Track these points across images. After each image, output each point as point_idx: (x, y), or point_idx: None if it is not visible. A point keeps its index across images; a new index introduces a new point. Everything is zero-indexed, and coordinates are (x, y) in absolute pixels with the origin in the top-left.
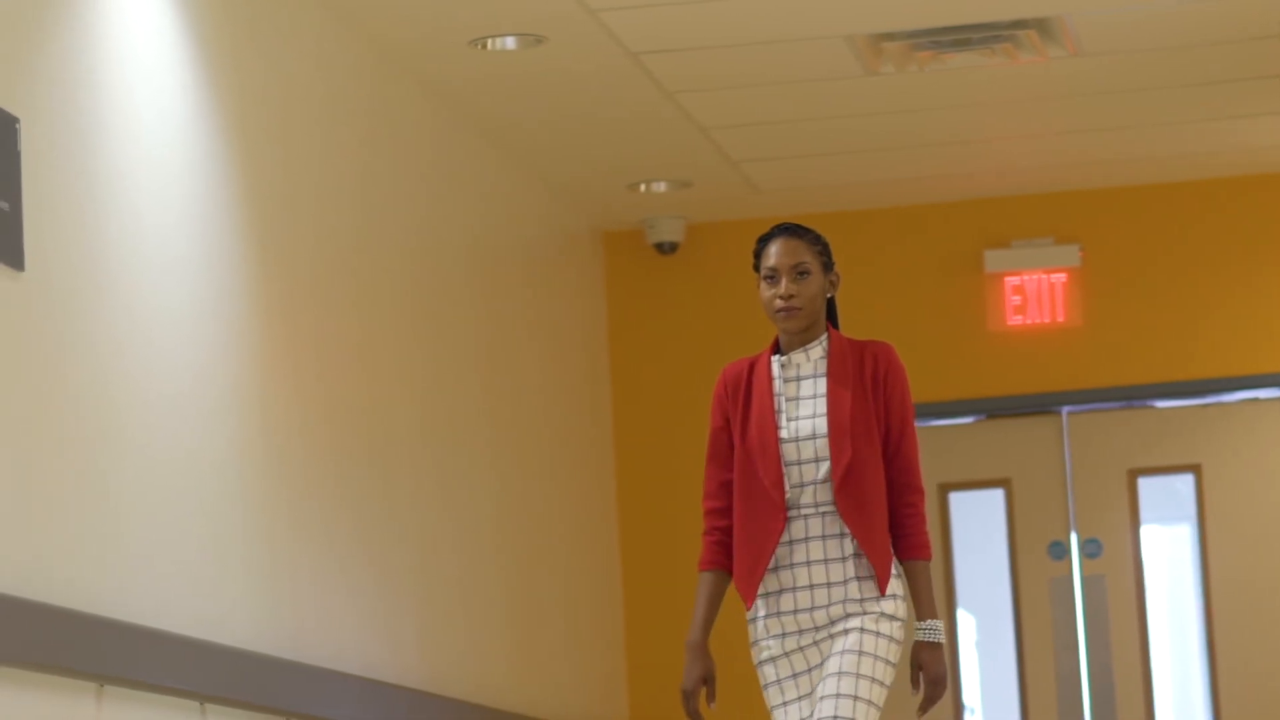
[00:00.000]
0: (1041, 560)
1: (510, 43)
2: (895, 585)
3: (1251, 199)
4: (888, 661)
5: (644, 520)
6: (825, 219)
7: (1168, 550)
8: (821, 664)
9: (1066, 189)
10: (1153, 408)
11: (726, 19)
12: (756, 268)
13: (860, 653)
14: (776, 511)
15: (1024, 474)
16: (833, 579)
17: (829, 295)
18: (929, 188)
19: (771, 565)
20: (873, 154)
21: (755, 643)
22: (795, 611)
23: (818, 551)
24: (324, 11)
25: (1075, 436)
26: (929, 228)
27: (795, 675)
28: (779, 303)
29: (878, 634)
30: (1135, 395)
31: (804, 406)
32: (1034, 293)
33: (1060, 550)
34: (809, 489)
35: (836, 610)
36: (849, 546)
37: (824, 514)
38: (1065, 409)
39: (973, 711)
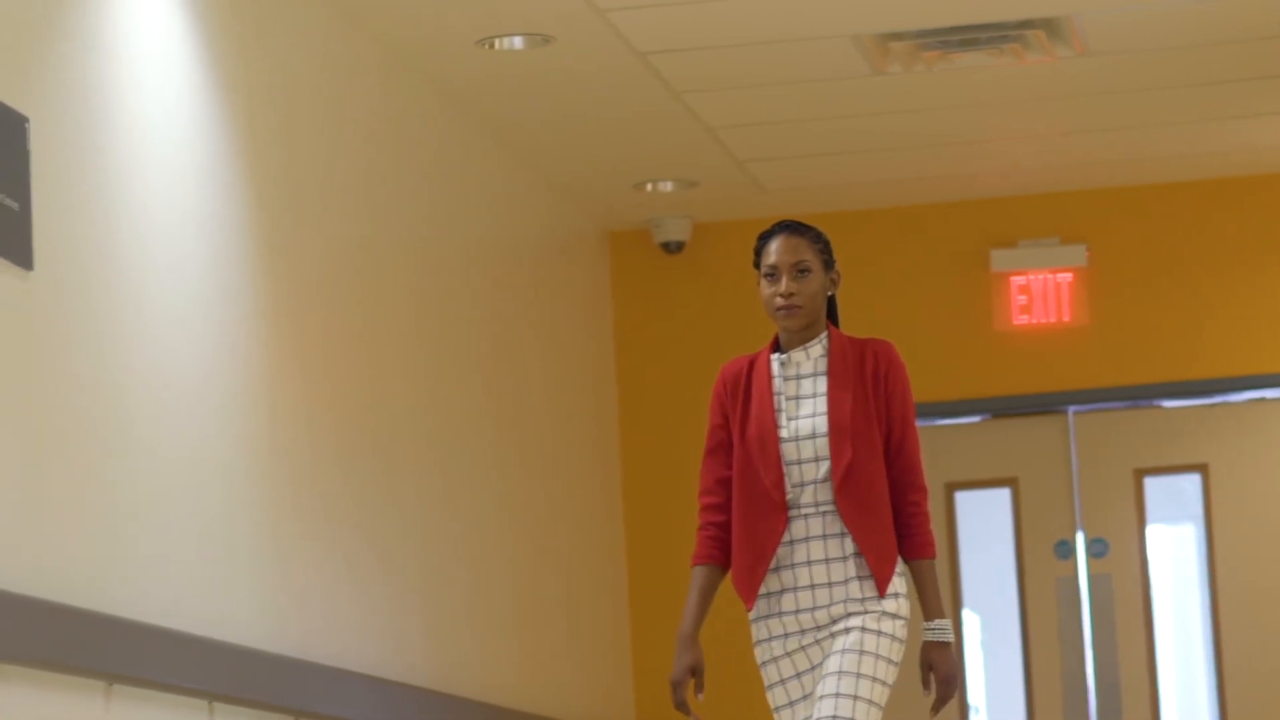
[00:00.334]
0: (1047, 559)
1: (517, 42)
2: (897, 584)
3: (1258, 199)
4: (890, 661)
5: (649, 519)
6: (831, 218)
7: (1174, 550)
8: (823, 663)
9: (1073, 189)
10: (1159, 407)
11: (734, 19)
12: (757, 265)
13: (861, 652)
14: (778, 511)
15: (1030, 473)
16: (834, 578)
17: (830, 293)
18: (935, 187)
19: (772, 565)
20: (879, 154)
21: (757, 643)
22: (796, 612)
23: (818, 551)
24: (331, 11)
25: (1082, 436)
26: (935, 227)
27: (798, 675)
28: (779, 301)
29: (879, 633)
30: (1142, 395)
31: (804, 405)
32: (1040, 292)
33: (1066, 550)
34: (809, 488)
35: (838, 610)
36: (850, 546)
37: (824, 513)
38: (1072, 408)
39: (978, 710)
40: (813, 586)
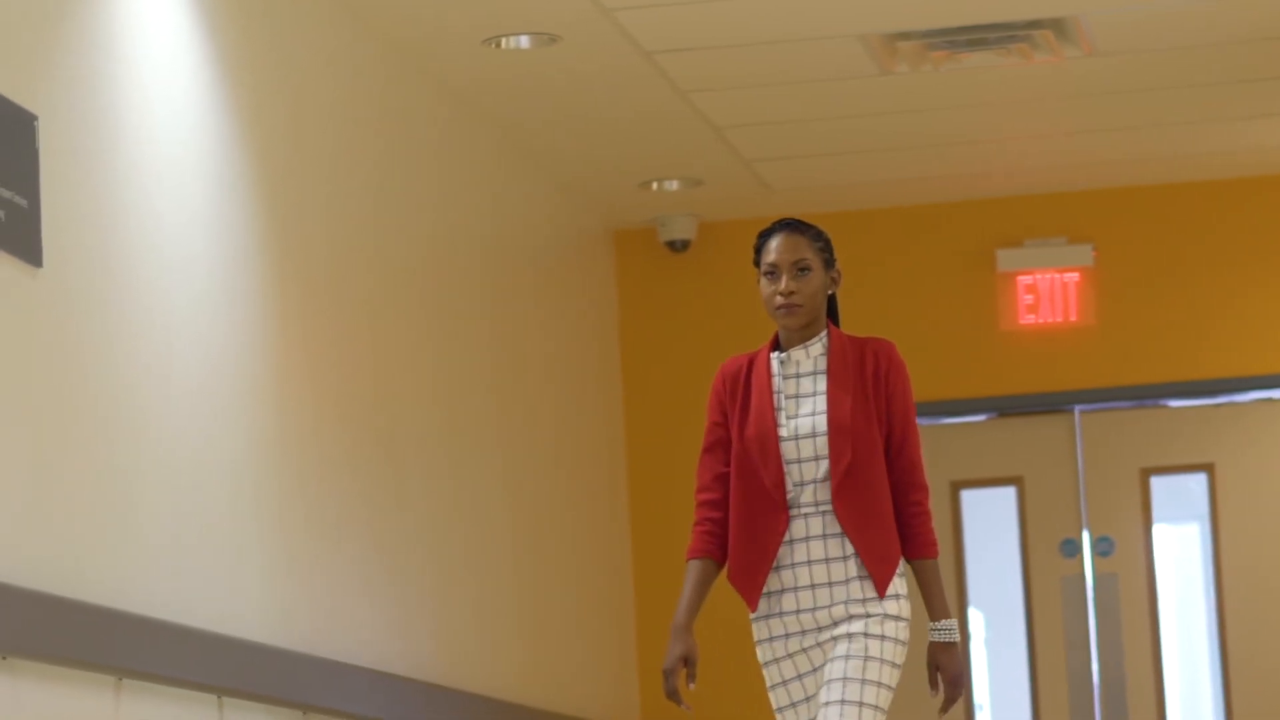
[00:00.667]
0: (1053, 558)
1: (524, 42)
2: (898, 584)
3: (1265, 199)
4: (892, 664)
5: (655, 516)
6: (838, 218)
7: (1180, 549)
8: (825, 665)
9: (1080, 189)
10: (1165, 407)
11: (740, 19)
12: (757, 263)
13: (866, 658)
14: (778, 511)
15: (1036, 472)
16: (834, 578)
17: (830, 292)
18: (942, 187)
19: (773, 565)
20: (886, 153)
21: (759, 643)
22: (797, 612)
23: (818, 551)
24: (338, 10)
25: (1088, 435)
26: (942, 227)
27: (800, 677)
28: (779, 299)
29: (882, 637)
30: (1148, 394)
31: (804, 404)
32: (1047, 292)
33: (1072, 548)
34: (809, 488)
35: (839, 610)
36: (850, 545)
37: (824, 513)
38: (1078, 408)
39: (983, 709)
40: (813, 586)
